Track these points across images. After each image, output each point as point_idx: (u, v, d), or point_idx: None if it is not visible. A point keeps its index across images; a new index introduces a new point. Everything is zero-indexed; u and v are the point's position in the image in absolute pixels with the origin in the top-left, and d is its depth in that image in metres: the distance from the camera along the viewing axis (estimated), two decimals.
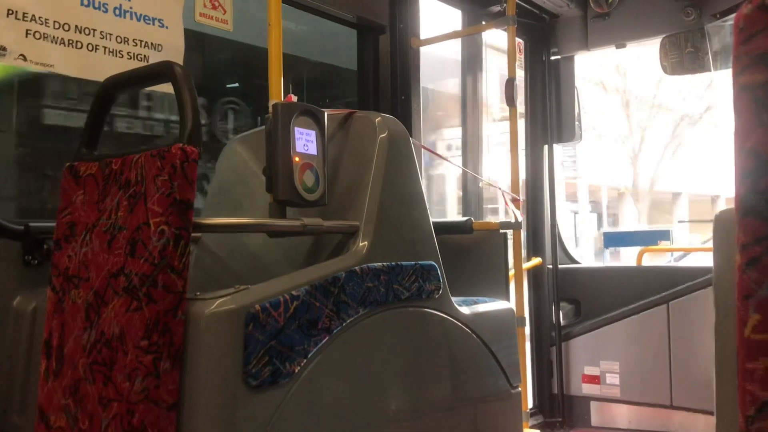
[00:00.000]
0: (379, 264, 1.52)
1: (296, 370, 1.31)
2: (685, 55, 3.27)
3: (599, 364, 3.46)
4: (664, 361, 3.25)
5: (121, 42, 1.88)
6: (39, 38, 1.71)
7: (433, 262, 1.66)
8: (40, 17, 1.71)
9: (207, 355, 1.23)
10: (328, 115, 1.59)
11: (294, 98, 1.72)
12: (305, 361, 1.33)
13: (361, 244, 1.51)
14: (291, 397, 1.30)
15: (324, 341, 1.37)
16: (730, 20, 3.11)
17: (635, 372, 3.36)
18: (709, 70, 3.22)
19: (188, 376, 1.21)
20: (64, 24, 1.76)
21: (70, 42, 1.77)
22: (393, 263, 1.55)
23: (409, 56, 2.91)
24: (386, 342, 1.54)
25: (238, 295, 1.26)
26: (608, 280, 3.58)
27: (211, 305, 1.23)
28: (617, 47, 3.62)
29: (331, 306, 1.39)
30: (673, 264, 5.65)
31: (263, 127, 1.53)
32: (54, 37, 1.74)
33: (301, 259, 1.70)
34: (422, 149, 2.80)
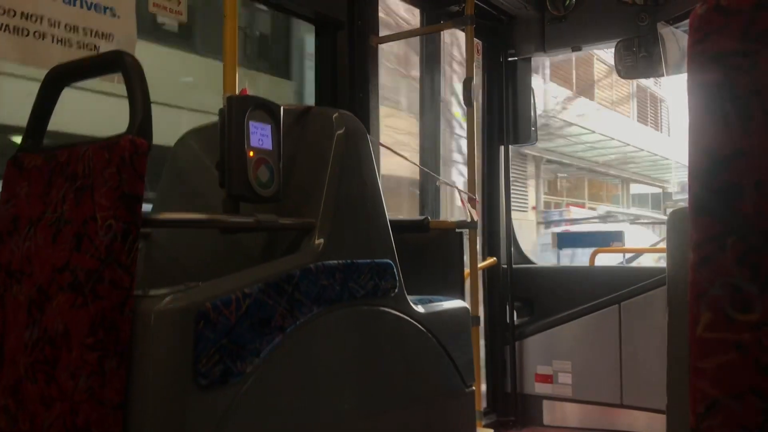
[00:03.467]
0: (335, 262, 1.50)
1: (248, 369, 1.28)
2: (638, 59, 3.33)
3: (552, 364, 3.50)
4: (615, 361, 3.30)
5: (70, 30, 1.82)
6: None
7: (390, 261, 1.64)
8: None
9: (155, 353, 1.20)
10: (284, 109, 1.57)
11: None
12: (257, 360, 1.30)
13: (316, 241, 1.49)
14: (242, 396, 1.27)
15: (277, 340, 1.34)
16: (683, 26, 3.18)
17: (587, 371, 3.41)
18: (662, 75, 3.29)
19: (136, 374, 1.18)
20: (9, 10, 1.69)
21: (16, 29, 1.70)
22: (349, 261, 1.53)
23: (367, 53, 2.90)
24: (341, 340, 1.52)
25: (188, 292, 1.23)
26: (562, 280, 3.63)
27: (160, 302, 1.20)
28: (573, 50, 3.67)
29: (285, 304, 1.37)
30: (625, 265, 5.75)
31: (217, 120, 1.49)
32: None
33: (255, 256, 1.67)
34: (380, 146, 2.79)
